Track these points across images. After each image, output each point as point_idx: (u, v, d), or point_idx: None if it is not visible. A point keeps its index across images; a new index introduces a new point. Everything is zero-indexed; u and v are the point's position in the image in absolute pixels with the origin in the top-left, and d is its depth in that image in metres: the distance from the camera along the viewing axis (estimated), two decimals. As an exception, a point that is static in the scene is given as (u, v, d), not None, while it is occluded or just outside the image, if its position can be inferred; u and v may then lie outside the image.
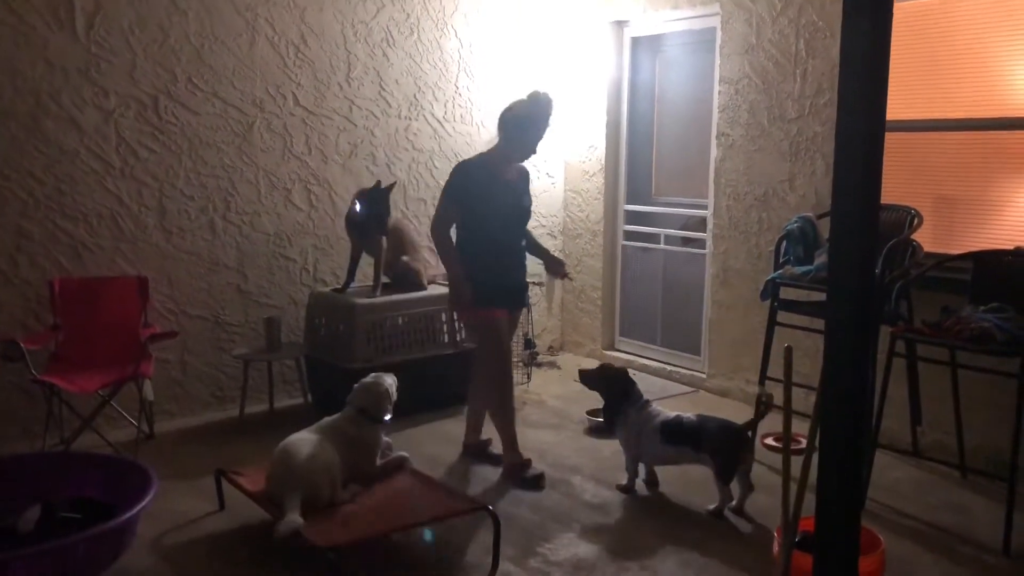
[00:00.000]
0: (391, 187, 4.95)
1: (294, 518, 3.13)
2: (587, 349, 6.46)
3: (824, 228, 4.20)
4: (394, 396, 3.76)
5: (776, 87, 5.01)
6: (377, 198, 4.87)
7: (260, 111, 5.05)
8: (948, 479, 4.12)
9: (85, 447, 4.21)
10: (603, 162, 6.20)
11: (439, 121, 5.79)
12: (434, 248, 5.69)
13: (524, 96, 4.17)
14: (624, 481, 4.02)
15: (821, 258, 4.16)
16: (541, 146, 4.20)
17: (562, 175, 6.49)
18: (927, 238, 4.23)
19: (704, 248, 5.65)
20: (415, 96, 5.65)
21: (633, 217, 6.28)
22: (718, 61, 5.35)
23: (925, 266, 4.01)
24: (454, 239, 4.19)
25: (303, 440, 3.46)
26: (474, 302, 4.10)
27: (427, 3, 5.61)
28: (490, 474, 4.21)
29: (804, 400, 4.48)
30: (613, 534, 3.59)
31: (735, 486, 3.76)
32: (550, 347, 6.56)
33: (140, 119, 4.68)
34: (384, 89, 5.51)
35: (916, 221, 4.15)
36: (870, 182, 2.02)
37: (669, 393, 5.55)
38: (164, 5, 4.67)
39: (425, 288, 5.17)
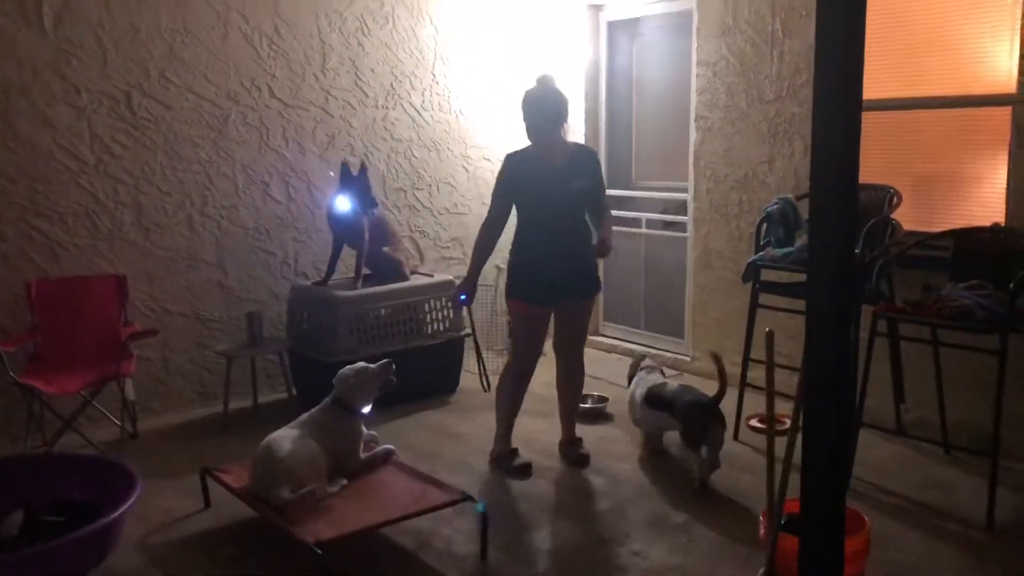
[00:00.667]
0: (363, 169, 4.95)
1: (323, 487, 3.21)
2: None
3: (804, 209, 4.20)
4: (382, 383, 3.76)
5: (754, 69, 5.00)
6: (354, 181, 4.87)
7: (235, 104, 5.00)
8: (931, 456, 4.15)
9: (68, 448, 4.17)
10: (583, 147, 6.18)
11: (417, 110, 5.75)
12: (413, 238, 5.72)
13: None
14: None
15: (802, 239, 4.17)
16: (556, 127, 3.99)
17: (542, 161, 6.46)
18: (906, 217, 4.24)
19: (685, 232, 5.65)
20: (392, 85, 5.61)
21: (614, 202, 6.21)
22: (695, 44, 5.34)
23: (905, 245, 4.02)
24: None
25: (285, 436, 3.45)
26: (507, 292, 4.15)
27: (401, -9, 5.57)
28: (477, 463, 4.21)
29: (788, 381, 4.49)
30: (601, 521, 3.60)
31: (703, 462, 3.82)
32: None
33: (113, 115, 4.62)
34: (360, 79, 5.46)
35: (895, 200, 4.16)
36: (848, 162, 2.02)
37: (654, 377, 5.55)
38: (134, -1, 4.61)
39: (407, 279, 5.15)
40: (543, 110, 3.96)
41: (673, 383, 4.20)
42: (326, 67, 5.31)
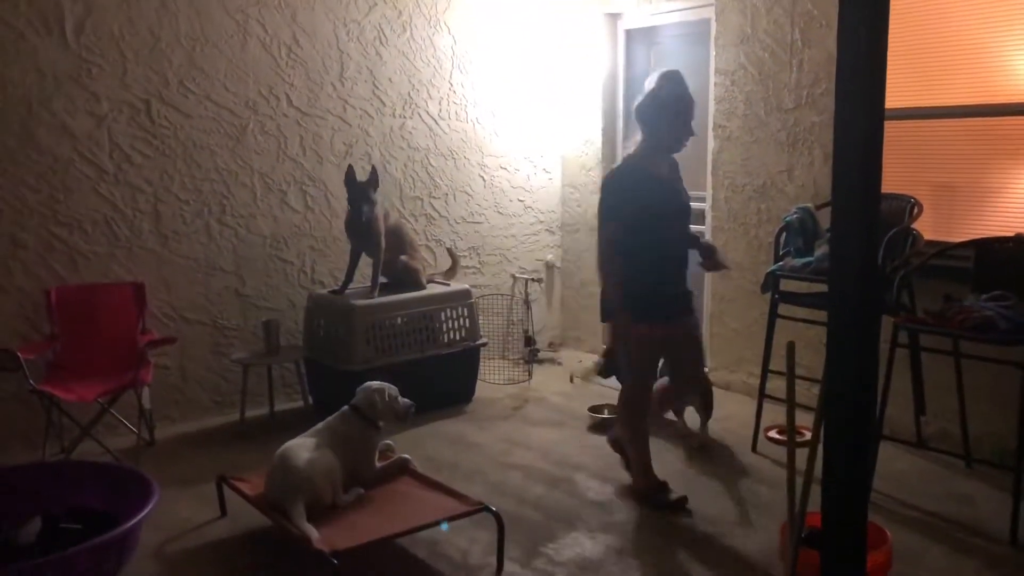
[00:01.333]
0: (373, 176, 4.93)
1: (305, 527, 3.13)
2: (588, 345, 6.43)
3: (824, 219, 4.17)
4: (397, 408, 3.73)
5: (772, 77, 4.98)
6: (360, 189, 4.85)
7: (253, 113, 5.02)
8: (953, 469, 4.10)
9: (85, 456, 4.18)
10: (600, 156, 6.17)
11: (434, 119, 5.76)
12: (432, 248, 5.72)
13: (653, 80, 3.75)
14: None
15: (821, 249, 4.13)
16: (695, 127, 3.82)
17: (559, 170, 6.46)
18: (927, 227, 4.20)
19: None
20: (409, 94, 5.62)
21: (631, 211, 6.24)
22: (713, 52, 5.32)
23: (926, 255, 3.98)
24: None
25: (301, 445, 3.44)
26: (630, 320, 3.75)
27: (419, 0, 5.58)
28: (493, 473, 4.19)
29: (806, 392, 4.45)
30: (618, 532, 3.57)
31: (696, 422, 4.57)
32: (550, 343, 6.54)
33: (133, 124, 4.65)
34: (378, 88, 5.48)
35: (916, 210, 4.12)
36: (870, 171, 2.00)
37: (671, 387, 5.52)
38: (154, 8, 4.64)
39: (424, 287, 5.15)
40: (680, 114, 3.69)
41: None
42: (344, 76, 5.32)
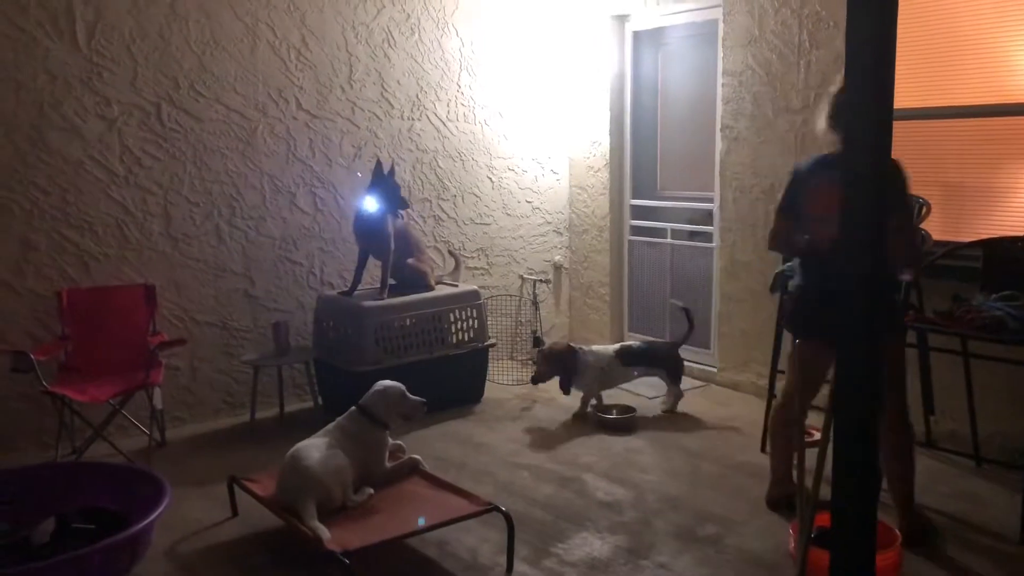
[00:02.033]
0: (391, 168, 5.00)
1: (317, 526, 3.15)
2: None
3: (832, 219, 4.17)
4: (406, 412, 3.74)
5: (780, 78, 4.98)
6: (384, 179, 4.90)
7: (263, 116, 5.05)
8: (962, 468, 4.10)
9: (97, 457, 4.21)
10: (607, 157, 6.18)
11: (442, 121, 5.78)
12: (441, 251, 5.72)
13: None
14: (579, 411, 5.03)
15: (830, 249, 4.13)
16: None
17: (567, 171, 6.47)
18: (936, 227, 4.20)
19: (711, 242, 5.63)
20: (417, 96, 5.64)
21: (639, 212, 6.26)
22: (721, 53, 5.32)
23: (935, 255, 3.98)
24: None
25: (312, 445, 3.46)
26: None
27: (427, 3, 5.60)
28: (502, 473, 4.20)
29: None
30: (627, 532, 3.57)
31: (678, 392, 5.09)
32: (559, 344, 6.54)
33: (143, 127, 4.68)
34: (386, 90, 5.50)
35: (925, 210, 4.12)
36: (878, 171, 2.00)
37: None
38: (164, 12, 4.67)
39: (432, 289, 5.17)
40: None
41: (635, 342, 5.30)
42: (352, 78, 5.35)
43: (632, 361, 5.07)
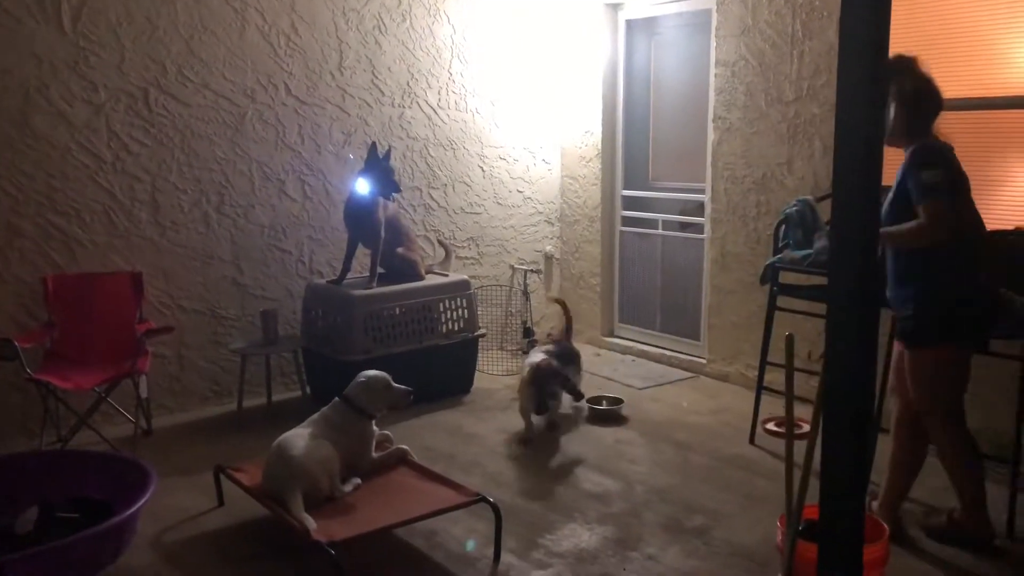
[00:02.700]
0: (388, 153, 4.96)
1: (303, 516, 3.13)
2: (587, 336, 6.43)
3: (823, 211, 4.16)
4: (392, 401, 3.71)
5: (773, 69, 4.96)
6: (378, 162, 4.86)
7: (252, 102, 5.00)
8: (951, 461, 4.09)
9: (83, 445, 4.18)
10: (599, 147, 6.16)
11: (433, 108, 5.74)
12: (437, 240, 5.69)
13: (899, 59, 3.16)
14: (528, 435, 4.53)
15: (821, 241, 4.12)
16: None
17: (558, 161, 6.45)
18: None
19: (702, 233, 5.62)
20: (408, 84, 5.60)
21: (630, 203, 6.24)
22: (714, 43, 5.30)
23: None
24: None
25: (298, 435, 3.44)
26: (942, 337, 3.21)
27: (419, -11, 5.56)
28: (491, 464, 4.19)
29: (804, 384, 4.44)
30: (616, 524, 3.57)
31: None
32: (549, 334, 6.51)
33: (131, 112, 4.63)
34: (377, 77, 5.46)
35: (916, 202, 4.10)
36: (871, 164, 1.99)
37: (669, 379, 5.53)
38: (152, -4, 4.62)
39: (423, 278, 5.14)
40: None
41: (549, 345, 4.90)
42: (343, 65, 5.30)
43: (570, 362, 4.84)
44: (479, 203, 6.07)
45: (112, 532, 2.96)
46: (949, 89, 4.31)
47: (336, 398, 3.64)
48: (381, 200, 4.94)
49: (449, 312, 5.18)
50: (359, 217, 4.90)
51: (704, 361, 5.63)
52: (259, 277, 5.15)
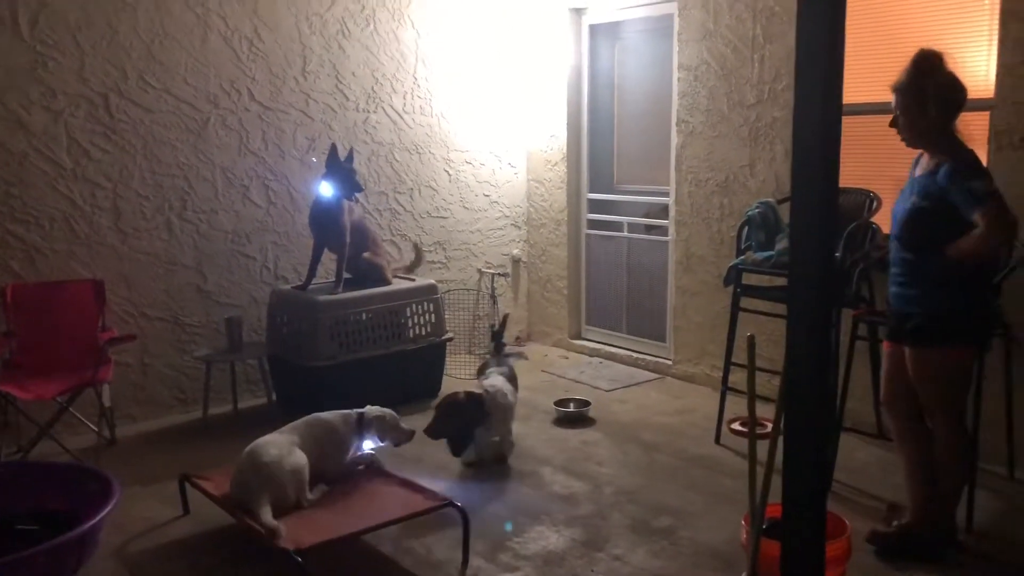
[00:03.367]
0: (350, 154, 4.93)
1: (272, 523, 3.11)
2: (554, 338, 6.45)
3: (785, 213, 4.21)
4: (398, 434, 3.76)
5: (735, 73, 5.02)
6: (339, 163, 4.82)
7: (215, 107, 4.96)
8: (912, 458, 4.15)
9: (44, 456, 4.12)
10: (565, 151, 6.18)
11: (398, 113, 5.73)
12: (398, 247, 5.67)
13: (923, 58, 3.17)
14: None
15: (782, 243, 4.18)
16: None
17: (524, 165, 6.46)
18: (887, 220, 4.24)
19: (667, 235, 5.66)
20: (373, 88, 5.59)
21: (596, 206, 6.28)
22: (676, 48, 5.35)
23: (885, 249, 4.02)
24: None
25: (271, 442, 3.41)
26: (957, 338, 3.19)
27: (382, -6, 5.56)
28: (459, 468, 4.19)
29: (769, 384, 4.50)
30: (583, 526, 3.58)
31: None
32: (517, 337, 6.54)
33: (91, 119, 4.58)
34: (341, 82, 5.44)
35: (876, 204, 4.18)
36: (828, 165, 2.02)
37: (636, 380, 5.56)
38: (111, 1, 4.56)
39: (389, 283, 5.12)
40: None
41: (497, 366, 4.58)
42: (306, 70, 5.28)
43: (513, 384, 4.48)
44: (445, 207, 6.06)
45: (73, 544, 2.92)
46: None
47: (353, 413, 3.64)
48: (347, 204, 4.91)
49: (416, 317, 5.17)
50: (324, 222, 4.88)
51: (670, 362, 5.67)
52: (223, 284, 5.11)
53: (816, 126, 1.98)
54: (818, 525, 2.17)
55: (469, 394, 4.14)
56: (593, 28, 6.11)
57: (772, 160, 4.89)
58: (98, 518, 2.97)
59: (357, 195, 4.96)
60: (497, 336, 5.45)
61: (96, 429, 4.33)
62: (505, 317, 5.30)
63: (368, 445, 3.69)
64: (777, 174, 4.85)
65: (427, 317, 5.20)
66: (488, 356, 4.91)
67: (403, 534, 3.45)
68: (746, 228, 4.43)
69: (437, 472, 4.13)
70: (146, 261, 4.82)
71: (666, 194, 5.64)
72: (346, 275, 5.00)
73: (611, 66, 6.12)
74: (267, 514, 3.16)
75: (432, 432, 4.07)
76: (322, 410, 3.70)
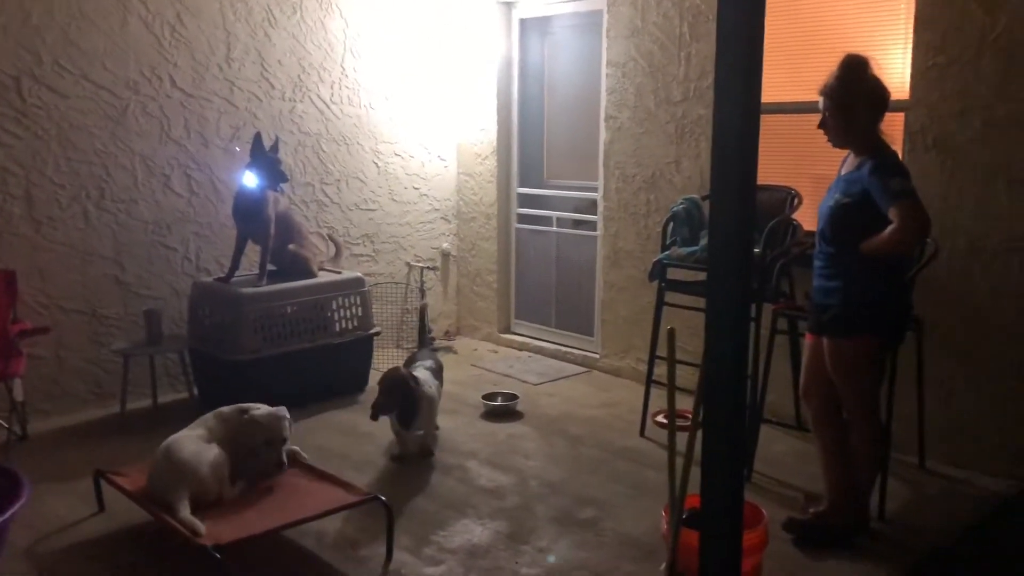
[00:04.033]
0: (276, 143, 4.84)
1: (191, 519, 3.03)
2: (483, 332, 6.45)
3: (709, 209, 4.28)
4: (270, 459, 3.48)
5: (662, 70, 5.08)
6: (263, 153, 4.72)
7: (134, 94, 4.82)
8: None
9: (-50, 452, 3.96)
10: (495, 145, 6.18)
11: (325, 103, 5.66)
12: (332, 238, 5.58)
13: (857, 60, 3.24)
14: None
15: (705, 239, 4.24)
16: None
17: (454, 158, 6.44)
18: (808, 217, 4.36)
19: (595, 230, 5.71)
20: (299, 77, 5.50)
21: (526, 200, 6.29)
22: (605, 44, 5.39)
23: (805, 244, 4.13)
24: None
25: (187, 437, 3.34)
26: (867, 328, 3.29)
27: (310, -18, 5.47)
28: (384, 462, 4.16)
29: (692, 377, 4.56)
30: (508, 518, 3.59)
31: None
32: (447, 332, 6.53)
33: (2, 102, 4.40)
34: (267, 70, 5.34)
35: (796, 201, 4.27)
36: (746, 163, 2.06)
37: (564, 374, 5.60)
38: (25, -19, 4.40)
39: (315, 276, 5.05)
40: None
41: (425, 360, 4.53)
42: (231, 57, 5.17)
43: (438, 378, 4.50)
44: (374, 199, 6.01)
45: (-21, 543, 2.81)
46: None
47: (246, 415, 3.49)
48: (271, 195, 4.82)
49: (343, 310, 5.11)
50: (248, 212, 4.78)
51: (597, 356, 5.73)
52: (143, 275, 4.97)
53: (735, 123, 2.02)
54: (735, 515, 2.22)
55: (408, 371, 4.16)
56: (523, 22, 6.12)
57: (697, 157, 4.96)
58: (5, 517, 2.86)
59: (282, 185, 4.88)
60: (423, 330, 5.42)
61: (7, 425, 4.18)
62: (423, 308, 5.26)
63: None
64: (702, 171, 4.93)
65: (354, 311, 5.15)
66: (415, 349, 4.88)
67: (326, 529, 3.41)
68: (671, 224, 4.49)
69: (362, 466, 4.10)
70: (61, 251, 4.67)
71: (595, 189, 5.69)
72: (271, 267, 4.91)
73: (541, 61, 6.13)
74: (185, 510, 3.09)
75: (379, 407, 4.01)
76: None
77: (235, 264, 4.88)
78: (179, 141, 5.02)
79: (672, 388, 2.79)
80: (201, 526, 3.02)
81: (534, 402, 5.04)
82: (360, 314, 5.16)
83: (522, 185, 6.29)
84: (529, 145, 6.26)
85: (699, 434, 2.26)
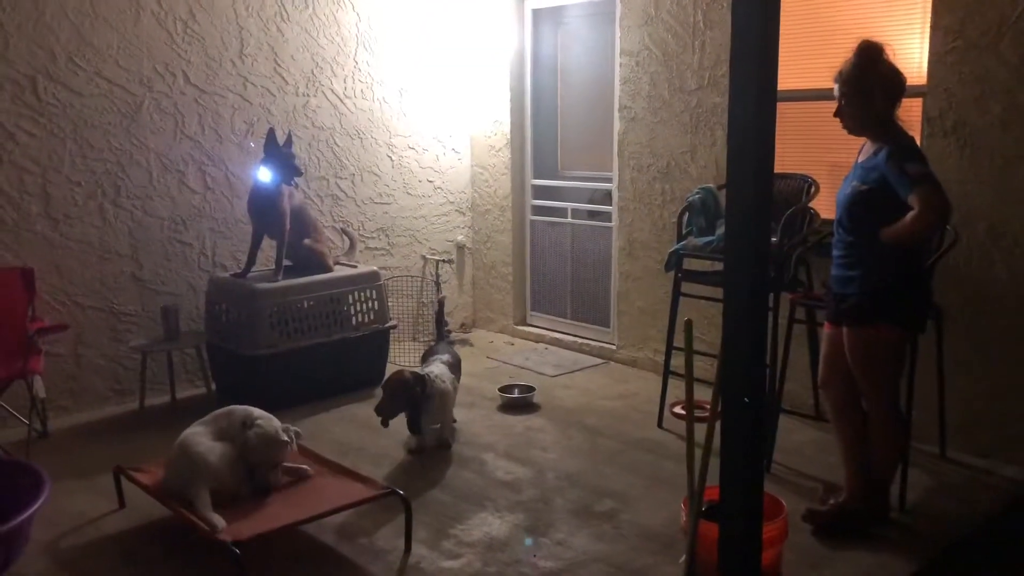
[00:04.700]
0: (289, 138, 4.85)
1: (210, 515, 3.04)
2: (499, 325, 6.45)
3: (725, 199, 4.25)
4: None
5: (676, 59, 5.04)
6: (277, 148, 4.73)
7: (148, 91, 4.83)
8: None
9: (-29, 450, 4.00)
10: (509, 137, 6.16)
11: (339, 97, 5.65)
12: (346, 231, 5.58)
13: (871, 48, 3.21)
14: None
15: (722, 228, 4.21)
16: None
17: (468, 150, 6.43)
18: (825, 206, 4.32)
19: (610, 221, 5.68)
20: (313, 72, 5.49)
21: (540, 192, 6.27)
22: (618, 33, 5.35)
23: (822, 233, 4.10)
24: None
25: (201, 432, 3.35)
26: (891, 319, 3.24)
27: (321, -24, 5.46)
28: (401, 456, 4.16)
29: (710, 368, 4.54)
30: (526, 511, 3.59)
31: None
32: (462, 324, 6.53)
33: (17, 101, 4.42)
34: (280, 65, 5.34)
35: (813, 189, 4.24)
36: (763, 151, 2.04)
37: (580, 366, 5.59)
38: (38, -21, 4.41)
39: (330, 270, 5.06)
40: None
41: (442, 354, 4.52)
42: (244, 53, 5.17)
43: (456, 371, 4.51)
44: (388, 193, 6.00)
45: (1, 540, 2.83)
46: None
47: (238, 413, 3.45)
48: (286, 190, 4.83)
49: (359, 304, 5.12)
50: (263, 207, 4.79)
51: (614, 347, 5.71)
52: (159, 271, 4.99)
53: (751, 112, 2.00)
54: (755, 507, 2.21)
55: (413, 373, 4.14)
56: (536, 12, 6.09)
57: (713, 146, 4.93)
58: (27, 514, 2.88)
59: (296, 180, 4.88)
60: (440, 323, 5.42)
61: (27, 422, 4.20)
62: (441, 301, 5.26)
63: None
64: (718, 160, 4.89)
65: (370, 304, 5.15)
66: (432, 343, 4.87)
67: (345, 523, 3.42)
68: (687, 214, 4.46)
69: (379, 460, 4.10)
70: (79, 249, 4.69)
71: (609, 180, 5.66)
72: (286, 262, 4.92)
73: (554, 51, 6.10)
74: (205, 506, 3.10)
75: (383, 411, 4.03)
76: (262, 399, 3.64)
77: (251, 259, 4.89)
78: (193, 137, 5.03)
79: (690, 379, 2.77)
80: (221, 521, 3.04)
81: (551, 394, 5.03)
82: (376, 308, 5.17)
83: (536, 177, 6.26)
84: (543, 136, 6.23)
85: (717, 425, 2.25)
